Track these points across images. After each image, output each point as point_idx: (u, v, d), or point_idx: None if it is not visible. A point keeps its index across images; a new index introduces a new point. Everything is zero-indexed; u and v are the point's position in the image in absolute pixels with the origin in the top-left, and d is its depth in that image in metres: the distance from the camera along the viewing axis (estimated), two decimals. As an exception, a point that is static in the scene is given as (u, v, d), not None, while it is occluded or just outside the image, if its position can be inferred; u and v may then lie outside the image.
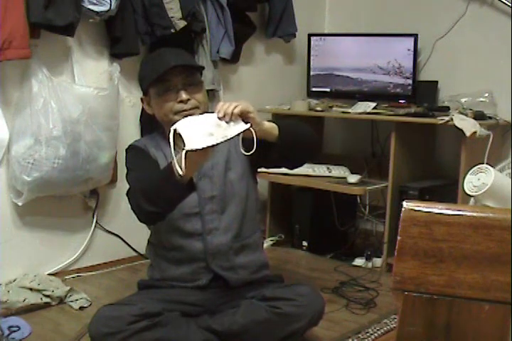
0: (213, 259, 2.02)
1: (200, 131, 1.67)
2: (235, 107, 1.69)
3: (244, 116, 1.71)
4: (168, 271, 2.06)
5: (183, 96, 1.94)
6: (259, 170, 2.17)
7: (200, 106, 1.98)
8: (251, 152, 1.72)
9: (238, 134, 1.70)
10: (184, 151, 1.65)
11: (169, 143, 1.68)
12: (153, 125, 2.22)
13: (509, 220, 0.81)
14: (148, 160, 2.02)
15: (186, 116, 1.89)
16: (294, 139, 1.89)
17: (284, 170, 2.64)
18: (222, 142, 1.66)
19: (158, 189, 1.78)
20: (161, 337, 1.85)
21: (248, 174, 2.09)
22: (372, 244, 3.18)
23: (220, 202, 2.02)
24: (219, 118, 1.69)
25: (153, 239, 2.13)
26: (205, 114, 1.74)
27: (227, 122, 1.69)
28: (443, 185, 2.98)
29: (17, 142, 2.43)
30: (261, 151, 1.78)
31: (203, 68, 2.09)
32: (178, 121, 1.91)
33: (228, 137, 1.68)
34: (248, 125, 1.71)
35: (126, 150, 2.10)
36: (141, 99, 2.07)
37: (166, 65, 1.94)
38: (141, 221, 1.90)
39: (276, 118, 3.22)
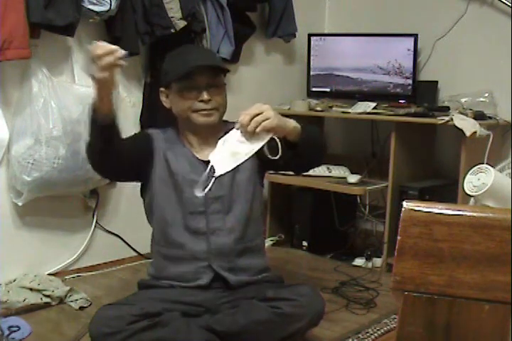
0: (215, 259, 2.02)
1: (225, 153, 1.71)
2: (258, 125, 1.71)
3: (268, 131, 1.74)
4: (168, 268, 2.06)
5: (205, 96, 1.96)
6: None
7: (220, 108, 2.00)
8: (277, 156, 1.74)
9: (263, 145, 1.72)
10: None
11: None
12: (153, 125, 2.22)
13: (509, 220, 0.81)
14: (137, 138, 2.09)
15: (204, 115, 1.97)
16: (313, 141, 1.93)
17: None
18: (250, 157, 1.71)
19: (89, 137, 1.86)
20: (161, 337, 1.85)
21: (256, 178, 2.10)
22: (372, 244, 3.17)
23: (226, 202, 2.03)
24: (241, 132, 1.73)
25: (155, 235, 2.12)
26: (229, 133, 1.76)
27: (248, 139, 1.72)
28: (443, 185, 2.98)
29: (17, 142, 2.43)
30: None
31: (229, 71, 2.10)
32: (194, 118, 1.97)
33: (255, 151, 1.71)
34: (271, 134, 1.73)
35: (144, 131, 2.20)
36: (161, 91, 2.07)
37: (195, 63, 1.96)
38: (103, 176, 2.05)
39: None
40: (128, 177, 2.13)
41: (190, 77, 1.96)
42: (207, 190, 1.72)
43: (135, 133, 2.22)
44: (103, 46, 1.66)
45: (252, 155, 1.72)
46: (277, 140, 1.75)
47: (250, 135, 1.72)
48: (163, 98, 2.07)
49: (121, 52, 1.66)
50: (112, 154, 1.88)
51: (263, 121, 1.72)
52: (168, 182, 2.04)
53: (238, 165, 1.71)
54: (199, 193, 1.74)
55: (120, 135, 1.89)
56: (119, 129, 1.87)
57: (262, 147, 1.73)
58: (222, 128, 2.09)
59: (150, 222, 2.14)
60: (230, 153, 1.72)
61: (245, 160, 1.71)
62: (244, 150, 1.71)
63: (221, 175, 1.72)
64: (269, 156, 1.75)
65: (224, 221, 2.03)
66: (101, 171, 2.00)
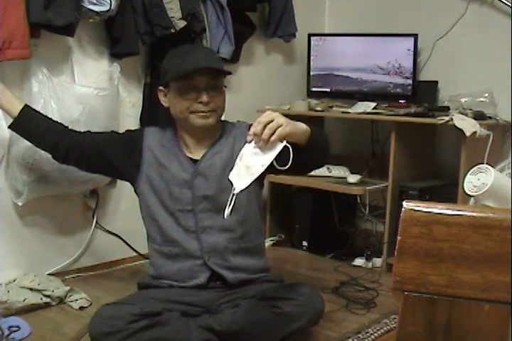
0: (210, 257, 2.02)
1: (241, 168, 1.72)
2: (272, 134, 1.70)
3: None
4: (166, 266, 2.06)
5: (204, 98, 1.95)
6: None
7: (218, 111, 2.00)
8: (286, 166, 1.73)
9: (277, 155, 1.70)
10: None
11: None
12: (154, 125, 2.22)
13: (509, 220, 0.81)
14: (120, 136, 2.15)
15: (202, 117, 1.96)
16: (321, 143, 1.93)
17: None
18: (264, 170, 1.70)
19: None
20: (160, 336, 1.85)
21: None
22: (372, 244, 3.17)
23: (215, 202, 2.02)
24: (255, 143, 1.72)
25: (151, 233, 2.12)
26: (243, 148, 1.75)
27: (262, 149, 1.71)
28: (443, 185, 2.98)
29: (17, 142, 2.43)
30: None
31: (230, 73, 2.09)
32: (192, 119, 1.96)
33: (270, 161, 1.69)
34: (284, 143, 1.70)
35: (141, 128, 2.26)
36: (159, 90, 2.07)
37: (196, 64, 1.95)
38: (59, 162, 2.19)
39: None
40: (99, 170, 2.21)
41: (191, 78, 1.95)
42: (227, 211, 1.76)
43: (127, 130, 2.23)
44: None
45: (268, 166, 1.70)
46: (290, 148, 1.72)
47: (264, 144, 1.70)
48: (161, 97, 2.07)
49: None
50: (46, 143, 2.12)
51: (277, 128, 1.71)
52: (157, 180, 2.05)
53: (257, 178, 1.71)
54: (226, 215, 1.78)
55: (46, 128, 2.12)
56: (34, 123, 2.11)
57: (277, 156, 1.71)
58: (220, 129, 2.09)
59: (144, 220, 2.14)
60: (246, 167, 1.71)
61: (260, 174, 1.72)
62: (259, 162, 1.70)
63: (241, 190, 1.72)
64: (278, 167, 1.73)
65: (214, 219, 2.03)
66: (54, 157, 2.17)
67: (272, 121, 1.71)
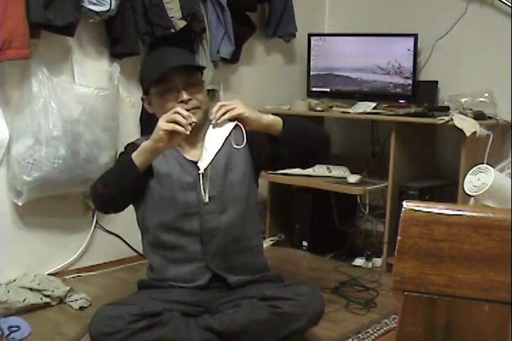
0: (212, 259, 2.02)
1: (203, 151, 1.89)
2: (225, 113, 1.82)
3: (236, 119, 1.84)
4: (167, 270, 2.05)
5: (184, 96, 1.96)
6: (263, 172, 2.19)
7: (201, 106, 2.00)
8: (242, 145, 1.82)
9: (230, 134, 1.84)
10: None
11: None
12: (153, 125, 2.22)
13: (509, 220, 0.81)
14: None
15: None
16: (299, 133, 1.95)
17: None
18: (220, 148, 1.85)
19: (114, 172, 2.00)
20: (160, 336, 1.85)
21: (249, 177, 2.10)
22: (372, 244, 3.17)
23: (219, 202, 2.02)
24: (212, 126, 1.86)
25: (151, 240, 2.12)
26: (205, 138, 1.90)
27: (215, 127, 1.85)
28: (443, 185, 2.98)
29: (17, 142, 2.43)
30: (269, 150, 1.87)
31: (204, 68, 2.11)
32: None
33: (224, 138, 1.83)
34: (234, 123, 1.84)
35: (125, 147, 2.14)
36: (142, 99, 2.08)
37: (165, 66, 1.96)
38: (97, 207, 2.08)
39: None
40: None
41: (166, 80, 1.96)
42: (206, 195, 1.87)
43: (128, 154, 2.04)
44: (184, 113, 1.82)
45: (223, 144, 1.84)
46: (242, 128, 1.83)
47: (215, 121, 1.82)
48: (146, 105, 2.08)
49: (192, 119, 1.83)
50: (127, 203, 2.04)
51: (231, 109, 1.82)
52: (159, 187, 2.02)
53: (215, 156, 1.85)
54: (206, 199, 1.91)
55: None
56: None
57: (229, 135, 1.84)
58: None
59: (142, 228, 2.13)
60: (205, 148, 1.86)
61: (219, 149, 1.85)
62: (215, 141, 1.84)
63: (205, 169, 1.86)
64: (235, 146, 1.82)
65: (218, 221, 2.02)
66: (107, 212, 2.19)
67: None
